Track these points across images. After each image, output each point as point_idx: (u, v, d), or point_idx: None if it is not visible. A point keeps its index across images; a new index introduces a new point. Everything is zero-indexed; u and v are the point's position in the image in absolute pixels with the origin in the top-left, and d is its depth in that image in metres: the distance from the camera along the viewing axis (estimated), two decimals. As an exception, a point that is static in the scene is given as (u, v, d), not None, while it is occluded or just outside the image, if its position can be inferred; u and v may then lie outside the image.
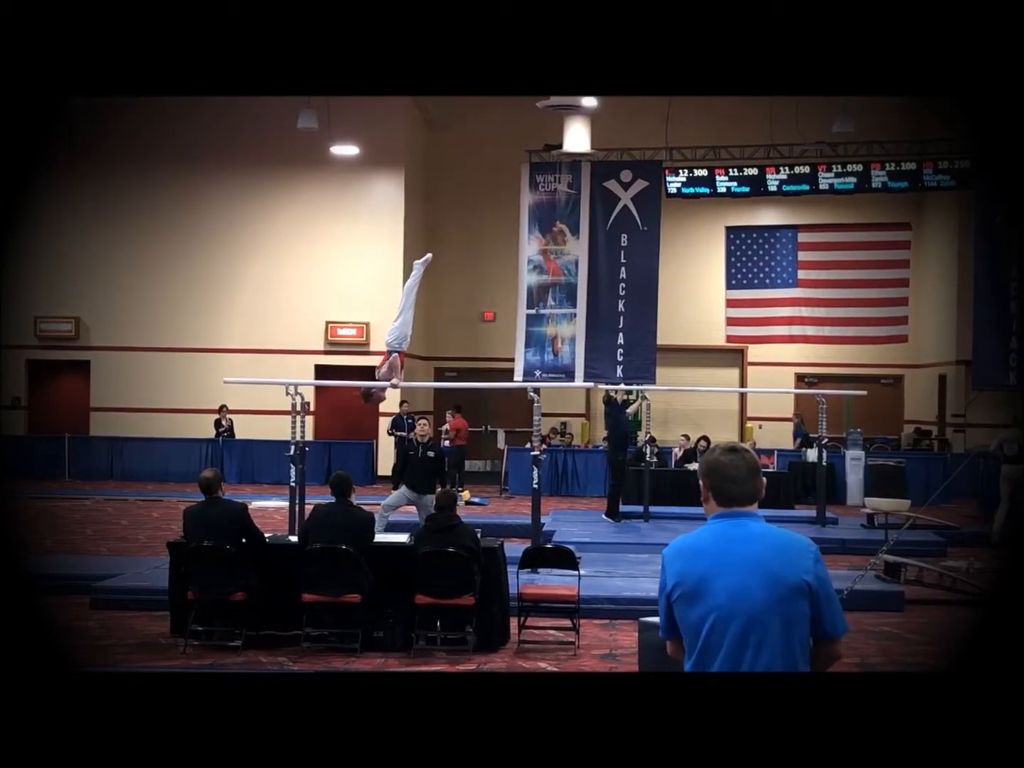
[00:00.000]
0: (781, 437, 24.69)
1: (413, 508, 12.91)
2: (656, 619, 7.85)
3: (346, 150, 22.34)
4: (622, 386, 18.38)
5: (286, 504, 12.59)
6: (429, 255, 11.68)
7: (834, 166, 20.70)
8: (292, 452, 11.59)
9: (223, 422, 21.91)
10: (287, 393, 11.65)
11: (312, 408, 19.12)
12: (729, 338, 23.04)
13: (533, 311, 21.27)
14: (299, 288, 22.91)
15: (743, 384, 25.35)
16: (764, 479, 3.54)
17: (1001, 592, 5.03)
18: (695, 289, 24.72)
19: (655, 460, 18.18)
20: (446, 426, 20.11)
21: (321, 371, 22.10)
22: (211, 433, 21.98)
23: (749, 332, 22.78)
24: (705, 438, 19.99)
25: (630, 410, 17.11)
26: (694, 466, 19.14)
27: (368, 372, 21.52)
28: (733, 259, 22.46)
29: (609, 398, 16.99)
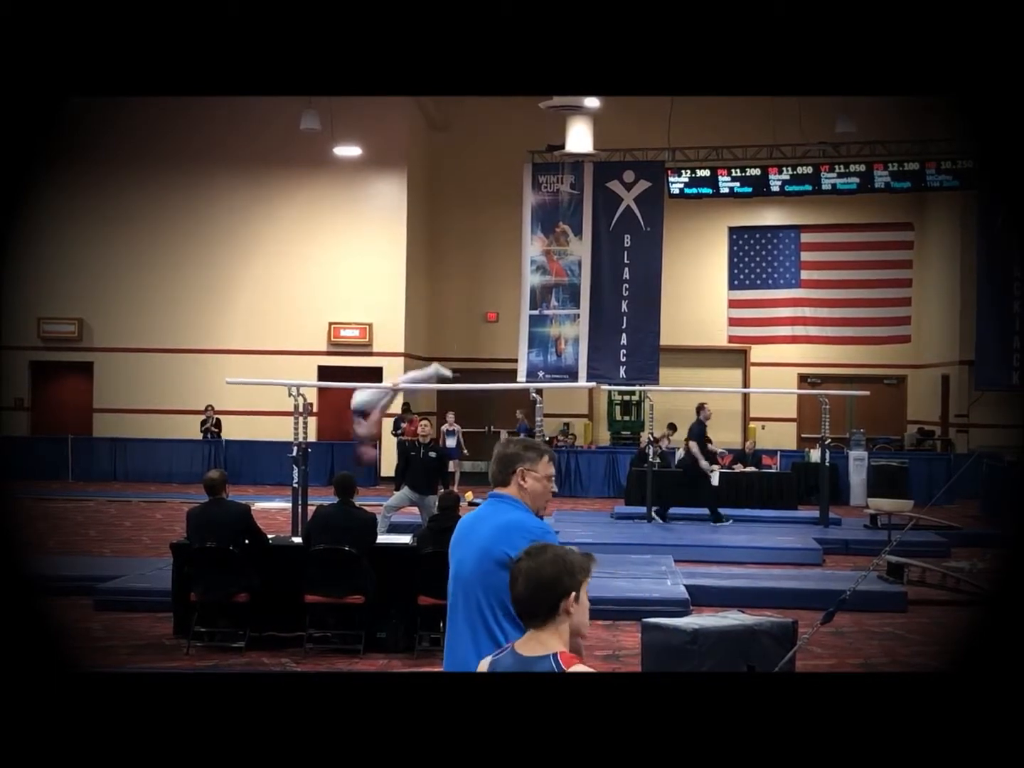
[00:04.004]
0: (784, 438, 24.69)
1: (415, 509, 12.91)
2: (659, 620, 7.86)
3: (349, 151, 22.32)
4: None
5: (289, 505, 12.59)
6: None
7: (837, 166, 20.69)
8: (295, 453, 11.58)
9: (208, 422, 21.82)
10: (290, 394, 11.64)
11: (315, 409, 19.11)
12: (732, 338, 23.04)
13: (536, 312, 21.28)
14: (302, 289, 22.90)
15: (746, 385, 25.33)
16: (526, 477, 3.83)
17: (1004, 593, 5.02)
18: (698, 289, 24.70)
19: (658, 460, 18.17)
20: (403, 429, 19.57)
21: (324, 372, 22.08)
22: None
23: (752, 332, 22.78)
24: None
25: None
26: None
27: (370, 373, 21.67)
28: (736, 259, 22.46)
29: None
